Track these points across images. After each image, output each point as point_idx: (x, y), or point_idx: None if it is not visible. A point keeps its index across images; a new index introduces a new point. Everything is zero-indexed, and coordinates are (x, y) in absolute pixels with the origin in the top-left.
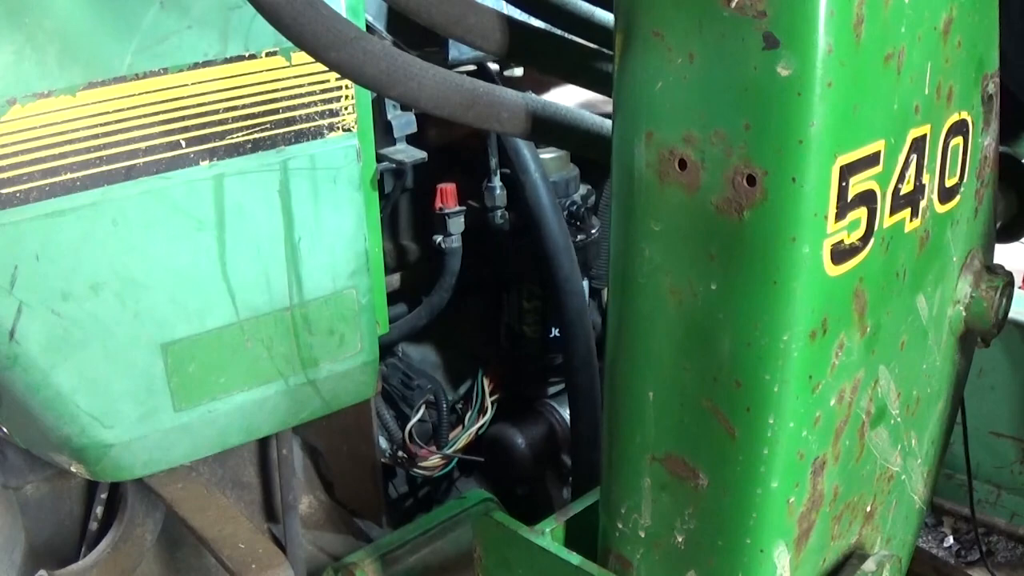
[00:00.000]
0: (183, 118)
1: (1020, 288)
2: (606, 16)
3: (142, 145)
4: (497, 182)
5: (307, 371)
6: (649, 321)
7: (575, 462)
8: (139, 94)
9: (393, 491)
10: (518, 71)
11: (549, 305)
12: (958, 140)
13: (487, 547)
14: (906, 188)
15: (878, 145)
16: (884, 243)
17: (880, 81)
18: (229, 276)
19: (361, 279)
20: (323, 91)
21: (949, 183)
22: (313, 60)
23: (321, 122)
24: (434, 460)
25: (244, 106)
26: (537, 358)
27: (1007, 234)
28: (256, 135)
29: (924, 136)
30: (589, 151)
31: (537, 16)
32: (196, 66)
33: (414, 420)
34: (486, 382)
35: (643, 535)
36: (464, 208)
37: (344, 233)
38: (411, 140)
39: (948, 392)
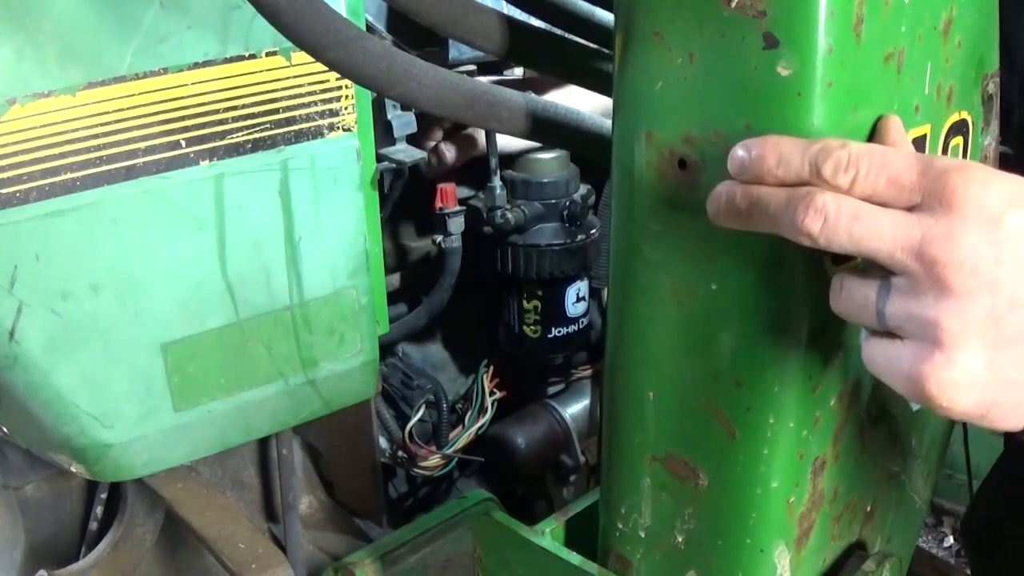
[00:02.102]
0: (183, 118)
1: None
2: (606, 16)
3: (142, 145)
4: (497, 182)
5: (307, 371)
6: (649, 321)
7: None
8: (139, 94)
9: (393, 491)
10: (518, 71)
11: (550, 305)
12: (958, 140)
13: (487, 547)
14: None
15: None
16: None
17: (880, 81)
18: (229, 276)
19: (361, 279)
20: (323, 91)
21: None
22: (313, 60)
23: (321, 122)
24: (434, 460)
25: (244, 106)
26: (537, 358)
27: None
28: (256, 135)
29: (924, 136)
30: (589, 151)
31: (537, 16)
32: (196, 66)
33: (414, 420)
34: (486, 382)
35: (643, 535)
36: (464, 208)
37: (344, 233)
38: (411, 140)
39: None
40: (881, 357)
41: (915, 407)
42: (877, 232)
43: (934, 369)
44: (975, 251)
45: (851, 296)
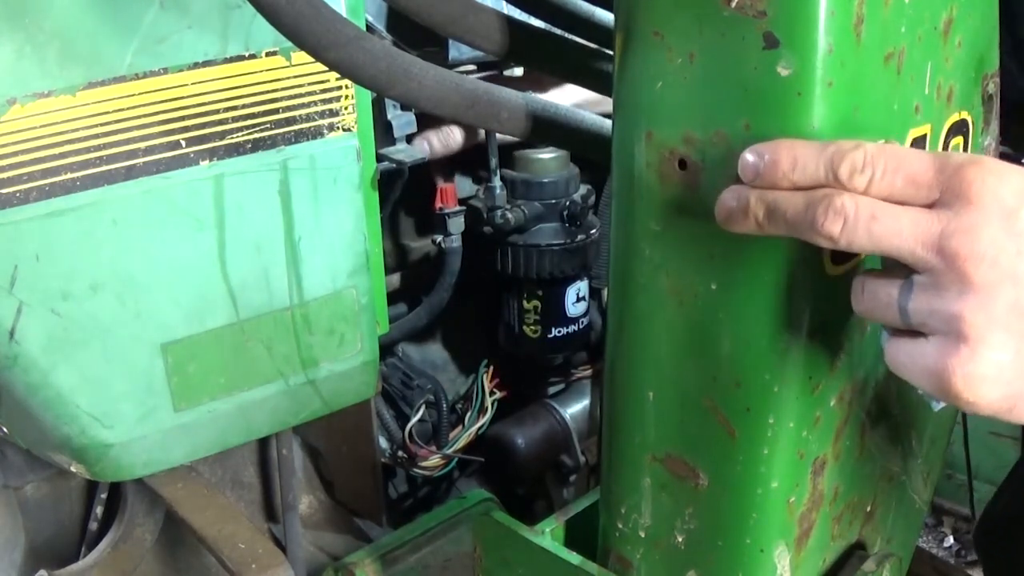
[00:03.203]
0: (183, 118)
1: None
2: (606, 16)
3: (142, 145)
4: (497, 182)
5: (307, 371)
6: (649, 321)
7: None
8: (139, 94)
9: (393, 491)
10: (518, 71)
11: (550, 305)
12: (958, 140)
13: (487, 547)
14: None
15: None
16: None
17: (880, 81)
18: (229, 276)
19: (361, 279)
20: (323, 91)
21: None
22: (313, 60)
23: (321, 122)
24: (434, 460)
25: (244, 106)
26: (537, 358)
27: None
28: (256, 135)
29: (924, 136)
30: (589, 151)
31: (537, 16)
32: (196, 66)
33: (414, 420)
34: (486, 382)
35: (643, 535)
36: (464, 208)
37: (344, 233)
38: (411, 140)
39: None
40: (905, 355)
41: (937, 407)
42: (897, 230)
43: (959, 363)
44: (996, 243)
45: (874, 295)
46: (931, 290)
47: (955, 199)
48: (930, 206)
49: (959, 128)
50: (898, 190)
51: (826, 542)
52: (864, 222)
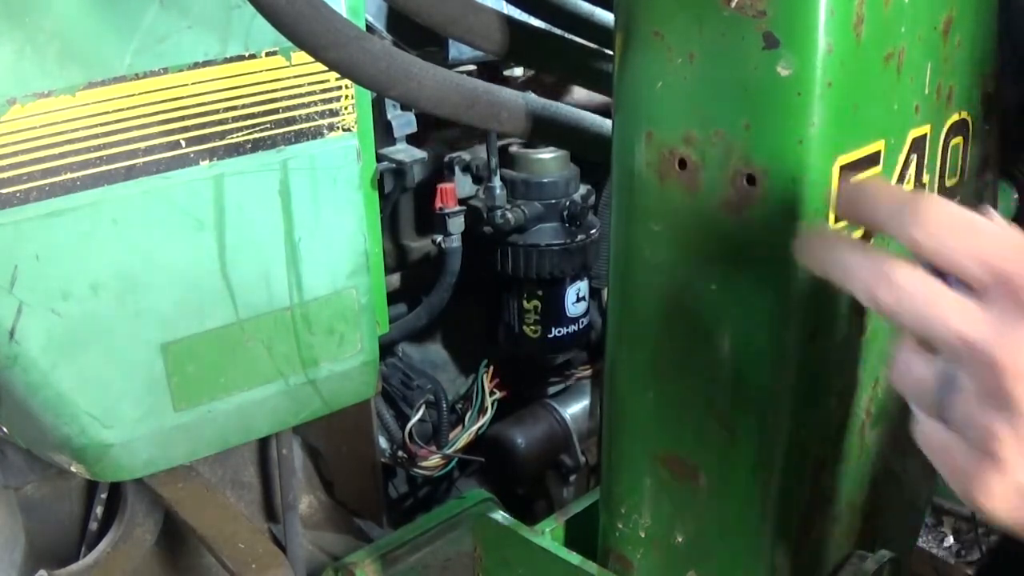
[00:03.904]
0: (183, 118)
1: None
2: (606, 16)
3: (142, 145)
4: (497, 182)
5: (307, 371)
6: (649, 321)
7: None
8: (139, 94)
9: (393, 491)
10: (518, 71)
11: (550, 305)
12: (958, 140)
13: (487, 547)
14: (906, 188)
15: (878, 145)
16: (885, 242)
17: (880, 81)
18: (229, 276)
19: (361, 279)
20: (323, 91)
21: (949, 183)
22: (313, 60)
23: (321, 122)
24: (434, 460)
25: (244, 106)
26: (537, 358)
27: None
28: (256, 135)
29: (924, 136)
30: (589, 151)
31: (537, 16)
32: (196, 66)
33: (414, 420)
34: (486, 382)
35: (643, 535)
36: (464, 208)
37: (344, 233)
38: (411, 140)
39: None
40: (937, 443)
41: None
42: (943, 318)
43: (985, 477)
44: None
45: (910, 374)
46: (971, 395)
47: (1012, 303)
48: (982, 293)
49: (959, 128)
50: (957, 259)
51: (826, 542)
52: (919, 302)
